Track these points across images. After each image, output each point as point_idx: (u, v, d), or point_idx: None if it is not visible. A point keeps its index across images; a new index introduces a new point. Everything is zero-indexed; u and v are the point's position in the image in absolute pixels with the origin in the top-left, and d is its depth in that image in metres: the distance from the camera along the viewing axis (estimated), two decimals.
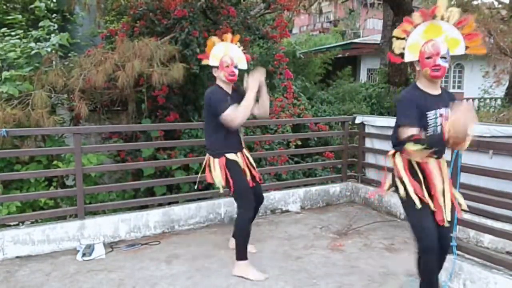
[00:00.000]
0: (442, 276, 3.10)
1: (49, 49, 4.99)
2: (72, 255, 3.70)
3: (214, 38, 3.44)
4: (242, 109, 3.16)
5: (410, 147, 2.33)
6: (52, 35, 5.28)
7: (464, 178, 3.08)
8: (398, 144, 2.52)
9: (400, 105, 2.51)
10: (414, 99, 2.47)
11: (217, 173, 3.29)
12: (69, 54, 5.74)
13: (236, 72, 3.35)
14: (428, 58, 2.42)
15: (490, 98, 16.01)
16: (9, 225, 4.18)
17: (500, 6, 14.49)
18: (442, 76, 2.46)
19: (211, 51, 3.37)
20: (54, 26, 5.50)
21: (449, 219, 2.54)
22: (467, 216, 3.64)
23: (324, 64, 12.04)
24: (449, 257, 3.06)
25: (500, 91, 15.94)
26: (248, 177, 3.40)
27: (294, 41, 13.24)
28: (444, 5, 2.46)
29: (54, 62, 5.49)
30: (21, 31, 5.35)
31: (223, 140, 3.29)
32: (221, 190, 3.42)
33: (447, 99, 2.53)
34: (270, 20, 8.87)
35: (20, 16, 5.77)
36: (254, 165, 3.57)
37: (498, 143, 3.42)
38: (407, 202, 2.54)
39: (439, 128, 2.46)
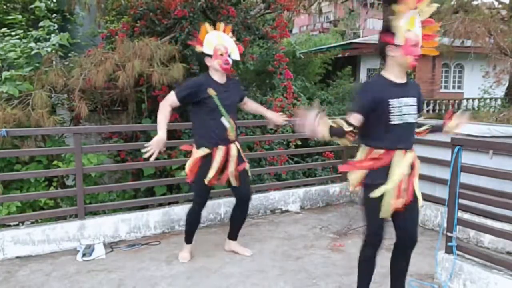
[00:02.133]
0: (442, 276, 3.10)
1: (49, 49, 4.99)
2: (72, 255, 3.70)
3: (207, 26, 3.34)
4: (160, 115, 3.22)
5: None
6: (52, 35, 5.28)
7: (464, 178, 3.08)
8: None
9: (356, 94, 2.52)
10: (372, 89, 2.47)
11: (189, 161, 3.37)
12: (69, 54, 5.75)
13: (230, 61, 3.27)
14: (414, 45, 2.38)
15: (490, 98, 16.02)
16: (9, 225, 4.18)
17: (500, 6, 14.49)
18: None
19: (205, 39, 3.28)
20: (54, 26, 5.51)
21: None
22: (467, 216, 3.64)
23: (324, 64, 12.04)
24: (449, 257, 3.07)
25: (500, 91, 15.95)
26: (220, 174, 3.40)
27: (294, 41, 13.22)
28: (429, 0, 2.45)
29: (54, 62, 5.50)
30: (21, 31, 5.35)
31: (199, 133, 3.34)
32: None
33: (413, 89, 2.53)
34: (270, 20, 8.87)
35: (20, 16, 5.77)
36: (243, 158, 3.49)
37: (498, 143, 3.42)
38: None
39: (406, 117, 2.45)
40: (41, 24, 5.39)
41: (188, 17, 6.06)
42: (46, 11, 6.20)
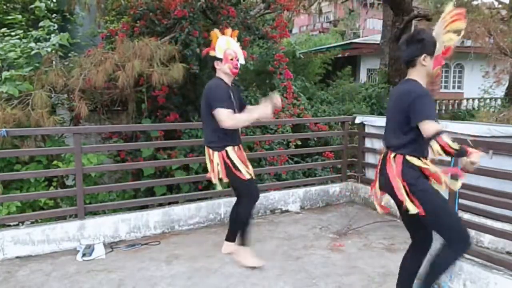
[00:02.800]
0: (442, 276, 3.10)
1: (49, 49, 4.99)
2: (72, 255, 3.70)
3: (217, 31, 3.47)
4: (241, 119, 3.28)
5: (445, 140, 2.24)
6: (52, 35, 5.27)
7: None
8: (428, 139, 2.32)
9: (424, 99, 2.34)
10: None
11: (218, 167, 3.34)
12: (69, 54, 5.74)
13: (239, 65, 3.41)
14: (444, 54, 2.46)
15: (490, 98, 16.02)
16: (9, 225, 4.18)
17: (500, 6, 14.50)
18: None
19: (216, 43, 3.39)
20: (54, 26, 5.50)
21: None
22: (467, 216, 3.64)
23: (324, 64, 12.02)
24: None
25: (500, 91, 15.94)
26: (249, 169, 3.46)
27: (294, 41, 13.21)
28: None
29: (54, 62, 5.49)
30: (21, 31, 5.35)
31: (223, 133, 3.32)
32: (219, 187, 3.45)
33: None
34: (270, 20, 8.86)
35: (20, 16, 5.76)
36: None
37: (498, 143, 3.42)
38: (434, 201, 2.43)
39: None
40: (41, 24, 5.38)
41: (188, 17, 6.06)
42: (46, 11, 6.19)
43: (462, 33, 2.48)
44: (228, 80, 3.42)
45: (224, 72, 3.38)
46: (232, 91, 3.42)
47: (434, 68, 2.44)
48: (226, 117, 3.18)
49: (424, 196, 2.42)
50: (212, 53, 3.42)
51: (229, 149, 3.35)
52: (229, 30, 3.53)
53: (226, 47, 3.37)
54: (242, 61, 3.48)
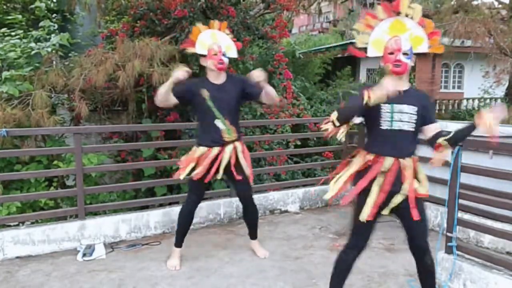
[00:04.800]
0: (442, 276, 3.11)
1: (49, 49, 5.00)
2: (72, 256, 3.70)
3: (200, 25, 3.31)
4: (159, 91, 3.19)
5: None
6: (52, 35, 5.28)
7: (464, 178, 3.09)
8: None
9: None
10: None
11: (184, 157, 3.44)
12: (70, 54, 5.75)
13: (225, 60, 3.22)
14: (390, 53, 2.38)
15: (490, 98, 16.04)
16: (9, 226, 4.18)
17: (500, 6, 14.51)
18: (404, 73, 2.41)
19: (198, 38, 3.25)
20: (54, 26, 5.51)
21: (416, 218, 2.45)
22: (467, 216, 3.65)
23: (324, 64, 12.05)
24: (449, 257, 3.08)
25: (500, 91, 15.97)
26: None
27: (293, 41, 13.24)
28: (407, 2, 2.42)
29: (54, 62, 5.50)
30: (21, 31, 5.35)
31: (198, 132, 3.42)
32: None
33: (415, 98, 2.45)
34: (269, 20, 8.88)
35: (20, 16, 5.77)
36: (244, 164, 3.47)
37: (498, 143, 3.42)
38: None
39: (395, 124, 2.39)
40: (41, 24, 5.39)
41: (188, 17, 6.07)
42: (46, 11, 6.20)
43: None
44: (214, 78, 3.25)
45: (210, 69, 3.23)
46: (219, 88, 3.24)
47: (385, 65, 2.43)
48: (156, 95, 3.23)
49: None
50: (190, 50, 3.29)
51: (197, 149, 3.33)
52: (216, 23, 3.35)
53: (211, 42, 3.21)
54: (232, 55, 3.32)
